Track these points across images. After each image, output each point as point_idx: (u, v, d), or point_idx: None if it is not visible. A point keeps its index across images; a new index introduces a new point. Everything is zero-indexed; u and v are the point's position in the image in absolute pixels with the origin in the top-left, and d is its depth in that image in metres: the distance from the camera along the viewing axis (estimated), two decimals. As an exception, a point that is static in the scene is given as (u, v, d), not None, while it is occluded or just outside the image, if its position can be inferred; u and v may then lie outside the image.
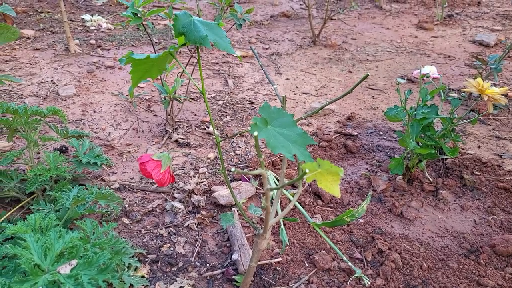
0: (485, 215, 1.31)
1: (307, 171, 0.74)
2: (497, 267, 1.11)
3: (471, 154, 1.61)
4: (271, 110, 0.74)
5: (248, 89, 2.15)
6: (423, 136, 1.40)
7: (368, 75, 0.79)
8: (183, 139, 1.67)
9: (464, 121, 1.45)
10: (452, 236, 1.24)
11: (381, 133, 1.77)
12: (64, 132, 1.32)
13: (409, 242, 1.20)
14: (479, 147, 1.67)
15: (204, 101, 0.75)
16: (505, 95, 2.03)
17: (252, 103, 2.01)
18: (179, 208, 1.29)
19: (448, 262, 1.13)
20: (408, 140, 1.31)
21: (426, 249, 1.18)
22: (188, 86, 1.80)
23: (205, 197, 1.34)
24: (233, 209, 1.30)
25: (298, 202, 1.33)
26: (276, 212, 1.24)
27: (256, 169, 0.79)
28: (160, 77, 1.65)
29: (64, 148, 1.54)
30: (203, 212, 1.28)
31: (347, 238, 1.21)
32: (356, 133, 1.75)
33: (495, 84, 2.13)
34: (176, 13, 0.78)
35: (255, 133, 0.67)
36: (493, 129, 1.79)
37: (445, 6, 3.48)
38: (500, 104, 1.24)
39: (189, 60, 1.73)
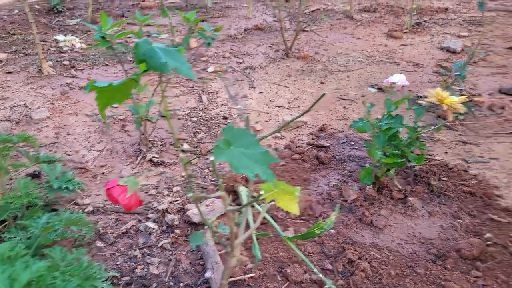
0: (451, 220, 1.35)
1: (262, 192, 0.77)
2: (462, 271, 1.15)
3: (438, 160, 1.66)
4: (234, 131, 0.76)
5: (222, 104, 2.18)
6: (390, 145, 1.44)
7: (324, 94, 0.82)
8: (157, 157, 1.69)
9: (427, 129, 1.50)
10: (420, 242, 1.27)
11: (352, 143, 1.81)
12: (35, 157, 1.33)
13: (379, 250, 1.24)
14: (446, 152, 1.73)
15: (168, 124, 0.78)
16: (470, 100, 2.09)
17: (226, 118, 2.04)
18: (153, 228, 1.30)
19: (416, 268, 1.16)
20: (374, 151, 1.35)
21: (395, 256, 1.21)
22: (162, 104, 1.82)
23: (179, 215, 1.36)
24: (205, 226, 1.31)
25: (271, 216, 1.36)
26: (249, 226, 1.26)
27: (218, 190, 0.82)
28: (133, 97, 1.67)
29: (36, 173, 1.54)
30: (177, 231, 1.29)
31: (319, 250, 1.24)
32: (328, 144, 1.79)
33: (461, 90, 2.20)
34: (137, 41, 0.81)
35: (212, 158, 0.69)
36: (460, 134, 1.85)
37: (414, 14, 3.57)
38: (459, 113, 1.29)
39: (161, 77, 1.75)
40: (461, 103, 1.30)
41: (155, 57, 0.81)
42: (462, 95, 2.20)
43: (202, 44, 1.71)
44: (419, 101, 1.43)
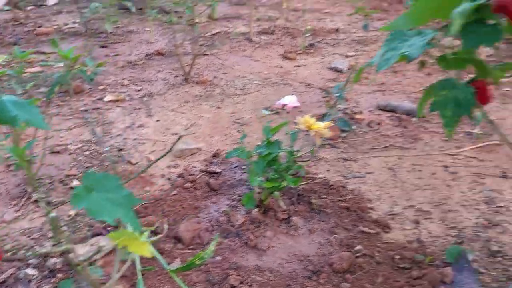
0: (328, 235, 1.47)
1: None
2: (334, 284, 1.26)
3: (321, 178, 1.79)
4: (96, 176, 0.78)
5: (117, 135, 2.17)
6: (270, 170, 1.53)
7: (182, 136, 0.87)
8: (44, 197, 1.64)
9: (304, 152, 1.62)
10: (299, 260, 1.37)
11: (244, 167, 1.89)
12: None
13: (261, 272, 1.31)
14: (328, 170, 1.86)
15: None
16: (352, 118, 2.27)
17: (120, 150, 2.03)
18: (33, 275, 1.27)
19: (293, 286, 1.25)
20: (252, 178, 1.43)
21: (275, 276, 1.29)
22: (51, 139, 1.78)
23: (62, 258, 1.34)
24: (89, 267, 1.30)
25: (157, 249, 1.38)
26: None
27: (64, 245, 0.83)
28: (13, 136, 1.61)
29: None
30: (60, 275, 1.27)
31: (204, 278, 1.28)
32: (220, 170, 1.85)
33: (344, 108, 2.38)
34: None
35: (51, 215, 0.71)
36: (341, 152, 2.00)
37: (308, 35, 3.80)
38: (325, 137, 1.41)
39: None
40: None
41: (5, 110, 0.81)
42: (345, 113, 2.39)
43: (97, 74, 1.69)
44: (295, 126, 1.54)
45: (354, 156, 1.96)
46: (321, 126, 1.41)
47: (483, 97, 0.94)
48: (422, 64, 1.01)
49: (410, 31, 0.88)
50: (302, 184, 1.71)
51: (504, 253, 1.35)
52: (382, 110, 2.37)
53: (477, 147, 1.96)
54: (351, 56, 3.32)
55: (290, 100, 2.53)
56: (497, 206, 1.57)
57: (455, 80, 0.87)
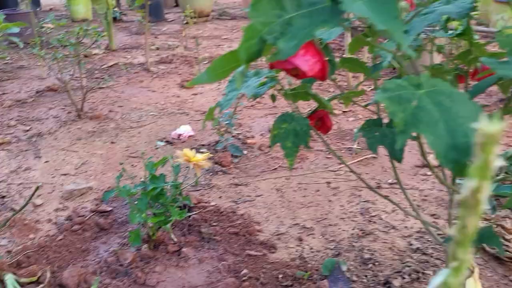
0: (217, 262, 1.51)
1: None
2: (220, 311, 1.30)
3: (212, 206, 1.84)
4: None
5: (0, 182, 2.05)
6: (157, 204, 1.55)
7: (38, 186, 0.86)
8: None
9: (189, 184, 1.66)
10: (188, 291, 1.39)
11: (135, 202, 1.88)
12: None
13: (149, 309, 1.31)
14: (220, 197, 1.92)
15: None
16: (244, 143, 2.36)
17: (3, 197, 1.93)
18: None
19: (180, 319, 1.27)
20: (133, 216, 1.44)
21: (163, 312, 1.30)
22: None
23: None
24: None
25: (39, 301, 1.33)
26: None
27: None
28: None
29: None
30: None
31: (89, 324, 1.26)
32: (111, 208, 1.83)
33: (238, 134, 2.47)
34: None
35: None
36: (233, 177, 2.07)
37: (205, 62, 3.89)
38: (205, 168, 1.47)
39: None
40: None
41: None
42: (238, 139, 2.47)
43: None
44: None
45: (245, 181, 2.03)
46: (200, 158, 1.46)
47: (323, 126, 1.05)
48: (273, 97, 1.11)
49: (250, 72, 0.97)
50: (194, 214, 1.75)
51: (374, 260, 1.48)
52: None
53: (355, 162, 2.13)
54: (246, 81, 3.45)
55: (185, 130, 2.58)
56: (370, 216, 1.72)
57: (293, 113, 0.97)
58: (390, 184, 1.94)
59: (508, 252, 1.43)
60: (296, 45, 0.52)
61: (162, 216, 1.52)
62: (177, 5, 7.54)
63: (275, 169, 2.13)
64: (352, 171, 1.05)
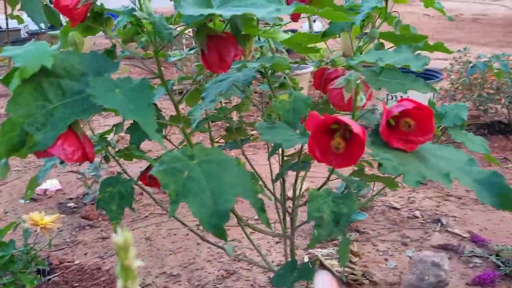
0: (76, 327, 1.45)
1: None
2: None
3: (76, 264, 1.77)
4: None
5: None
6: (7, 273, 1.46)
7: None
8: None
9: (40, 248, 1.59)
10: None
11: (-10, 271, 1.74)
12: None
13: None
14: (86, 253, 1.85)
15: None
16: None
17: None
18: None
19: None
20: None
21: None
22: None
23: None
24: None
25: None
26: None
27: None
28: None
29: None
30: None
31: None
32: (-42, 282, 1.67)
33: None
34: None
35: None
36: (101, 231, 2.02)
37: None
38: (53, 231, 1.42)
39: None
40: (53, 222, 1.43)
41: None
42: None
43: None
44: (23, 224, 1.50)
45: (113, 233, 1.99)
46: (48, 220, 1.41)
47: (156, 182, 1.09)
48: (106, 158, 1.13)
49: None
50: (54, 276, 1.67)
51: (235, 299, 1.53)
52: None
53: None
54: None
55: (52, 184, 2.47)
56: (236, 255, 1.79)
57: (119, 176, 1.00)
58: (256, 219, 2.04)
59: (353, 275, 1.57)
60: (54, 136, 0.55)
61: (11, 286, 1.43)
62: (54, 47, 7.22)
63: (146, 216, 2.12)
64: (178, 220, 1.10)
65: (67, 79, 0.60)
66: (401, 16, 1.01)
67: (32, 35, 6.16)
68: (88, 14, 0.65)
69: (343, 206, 0.70)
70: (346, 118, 0.51)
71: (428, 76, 2.91)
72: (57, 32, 0.62)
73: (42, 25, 1.86)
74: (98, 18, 0.67)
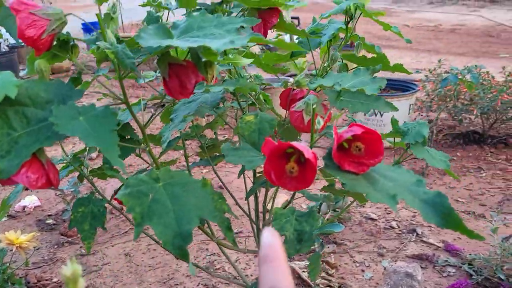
0: None
1: None
2: None
3: (54, 282, 1.76)
4: None
5: None
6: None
7: None
8: None
9: (17, 267, 1.58)
10: None
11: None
12: None
13: None
14: (64, 271, 1.84)
15: None
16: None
17: None
18: None
19: None
20: None
21: None
22: None
23: None
24: None
25: None
26: None
27: None
28: None
29: None
30: None
31: None
32: None
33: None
34: None
35: None
36: (80, 247, 2.01)
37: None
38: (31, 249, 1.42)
39: None
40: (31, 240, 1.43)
41: None
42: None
43: None
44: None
45: (92, 249, 1.99)
46: (23, 239, 1.41)
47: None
48: (81, 177, 1.14)
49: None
50: (32, 295, 1.66)
51: (214, 314, 1.54)
52: (125, 194, 2.48)
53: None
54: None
55: (31, 201, 2.45)
56: (215, 269, 1.80)
57: (91, 196, 1.01)
58: (236, 233, 2.05)
59: (329, 287, 1.59)
60: (17, 164, 0.57)
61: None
62: (35, 61, 7.16)
63: (126, 232, 2.12)
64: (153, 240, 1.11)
65: (32, 107, 0.62)
66: (381, 27, 1.04)
67: (12, 48, 6.12)
68: (54, 43, 0.66)
69: (306, 224, 0.73)
70: (299, 143, 0.54)
71: (405, 87, 2.98)
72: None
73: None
74: (64, 46, 0.69)
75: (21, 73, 6.34)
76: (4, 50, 5.99)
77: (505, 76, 2.70)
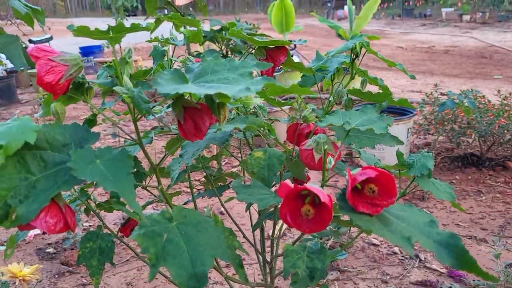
0: None
1: None
2: None
3: (55, 314, 1.73)
4: None
5: None
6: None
7: None
8: None
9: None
10: None
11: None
12: None
13: None
14: (65, 302, 1.82)
15: None
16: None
17: None
18: None
19: None
20: None
21: None
22: None
23: None
24: None
25: None
26: None
27: None
28: None
29: None
30: None
31: None
32: None
33: (85, 229, 2.40)
34: None
35: None
36: (81, 276, 1.99)
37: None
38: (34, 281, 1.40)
39: None
40: (33, 273, 1.42)
41: None
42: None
43: None
44: (1, 277, 1.48)
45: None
46: (27, 272, 1.40)
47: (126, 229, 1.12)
48: (87, 211, 1.14)
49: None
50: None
51: None
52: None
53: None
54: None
55: (30, 229, 2.43)
56: (218, 298, 1.78)
57: (99, 231, 1.01)
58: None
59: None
60: (36, 209, 0.58)
61: None
62: (32, 84, 7.21)
63: (127, 260, 2.11)
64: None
65: (49, 150, 0.63)
66: (377, 48, 1.07)
67: (11, 73, 6.16)
68: (70, 86, 0.68)
69: (318, 261, 0.73)
70: (313, 186, 0.55)
71: (403, 111, 3.01)
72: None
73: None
74: (79, 89, 0.70)
75: (24, 101, 6.33)
76: (2, 75, 6.02)
77: (501, 100, 2.74)
